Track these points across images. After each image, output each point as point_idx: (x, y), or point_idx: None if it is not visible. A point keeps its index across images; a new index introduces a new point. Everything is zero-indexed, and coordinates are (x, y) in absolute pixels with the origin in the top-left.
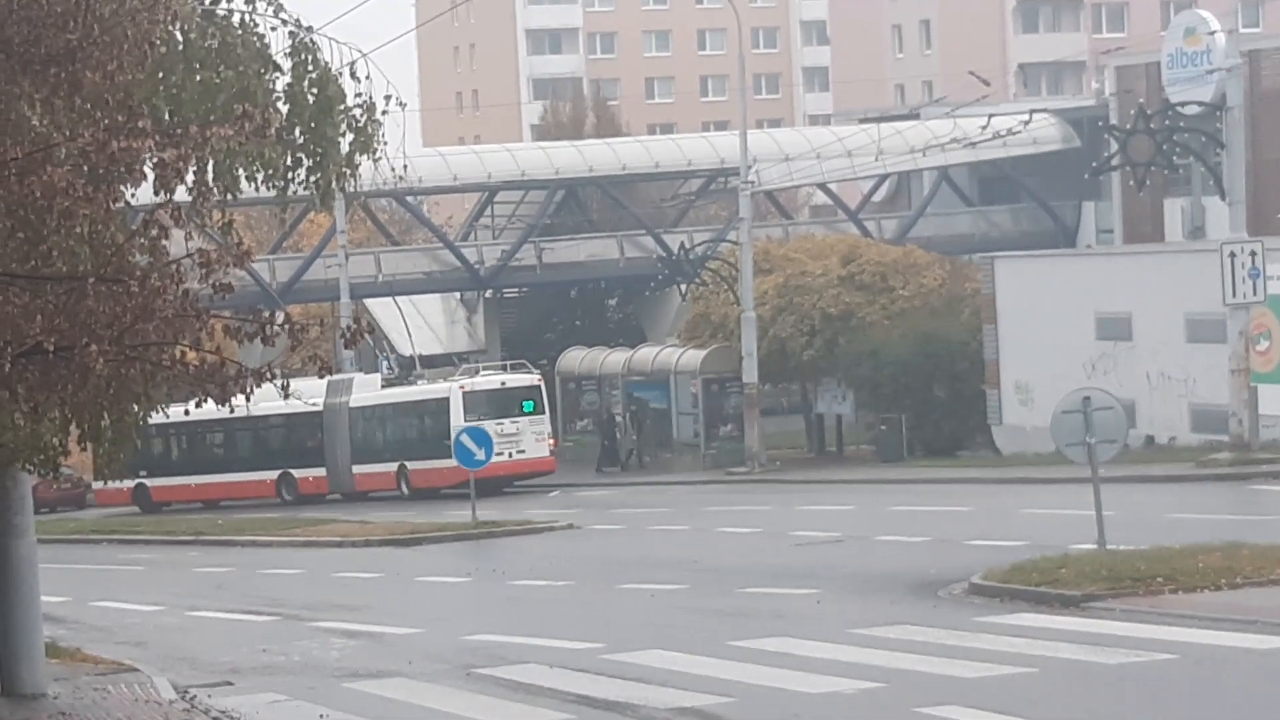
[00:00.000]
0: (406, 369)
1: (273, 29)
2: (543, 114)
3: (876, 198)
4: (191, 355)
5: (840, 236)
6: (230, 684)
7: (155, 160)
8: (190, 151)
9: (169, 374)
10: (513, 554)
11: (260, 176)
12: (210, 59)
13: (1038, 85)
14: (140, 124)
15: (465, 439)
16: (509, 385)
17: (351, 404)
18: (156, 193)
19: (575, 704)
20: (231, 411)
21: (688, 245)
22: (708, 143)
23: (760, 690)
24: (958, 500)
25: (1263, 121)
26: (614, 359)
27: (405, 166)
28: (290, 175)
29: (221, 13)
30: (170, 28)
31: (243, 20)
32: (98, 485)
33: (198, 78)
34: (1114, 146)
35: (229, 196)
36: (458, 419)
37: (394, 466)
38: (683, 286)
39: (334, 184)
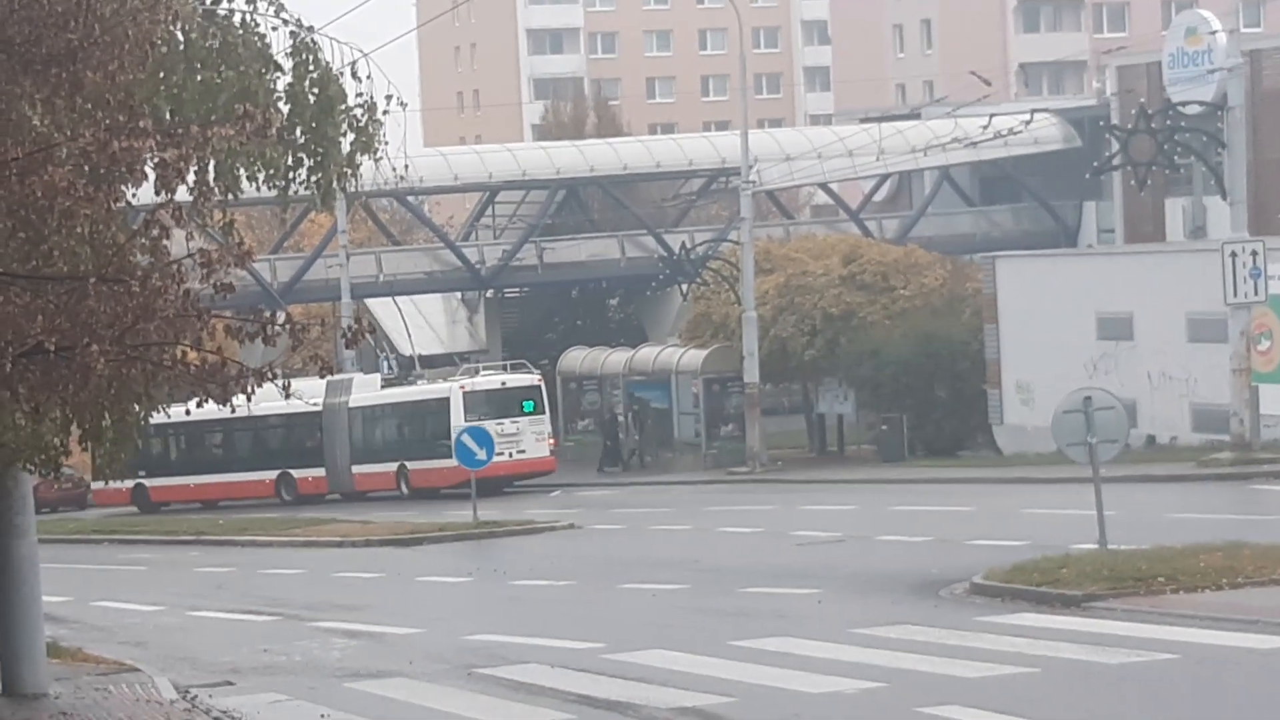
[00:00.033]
0: (406, 369)
1: (274, 29)
2: (544, 114)
3: (878, 197)
4: (193, 355)
5: (841, 236)
6: (231, 684)
7: (156, 160)
8: (191, 151)
9: (170, 374)
10: (514, 554)
11: (261, 176)
12: (211, 59)
13: (1039, 85)
14: (141, 124)
15: (466, 439)
16: (509, 385)
17: (351, 404)
18: (157, 192)
19: (576, 704)
20: (233, 411)
21: (689, 245)
22: (709, 142)
23: (761, 690)
24: (959, 500)
25: (1264, 121)
26: (615, 359)
27: (406, 166)
28: (291, 175)
29: (222, 12)
30: (171, 27)
31: (244, 20)
32: (96, 485)
33: (199, 77)
34: (1115, 146)
35: (230, 196)
36: (458, 419)
37: (393, 466)
38: (684, 286)
39: (335, 184)
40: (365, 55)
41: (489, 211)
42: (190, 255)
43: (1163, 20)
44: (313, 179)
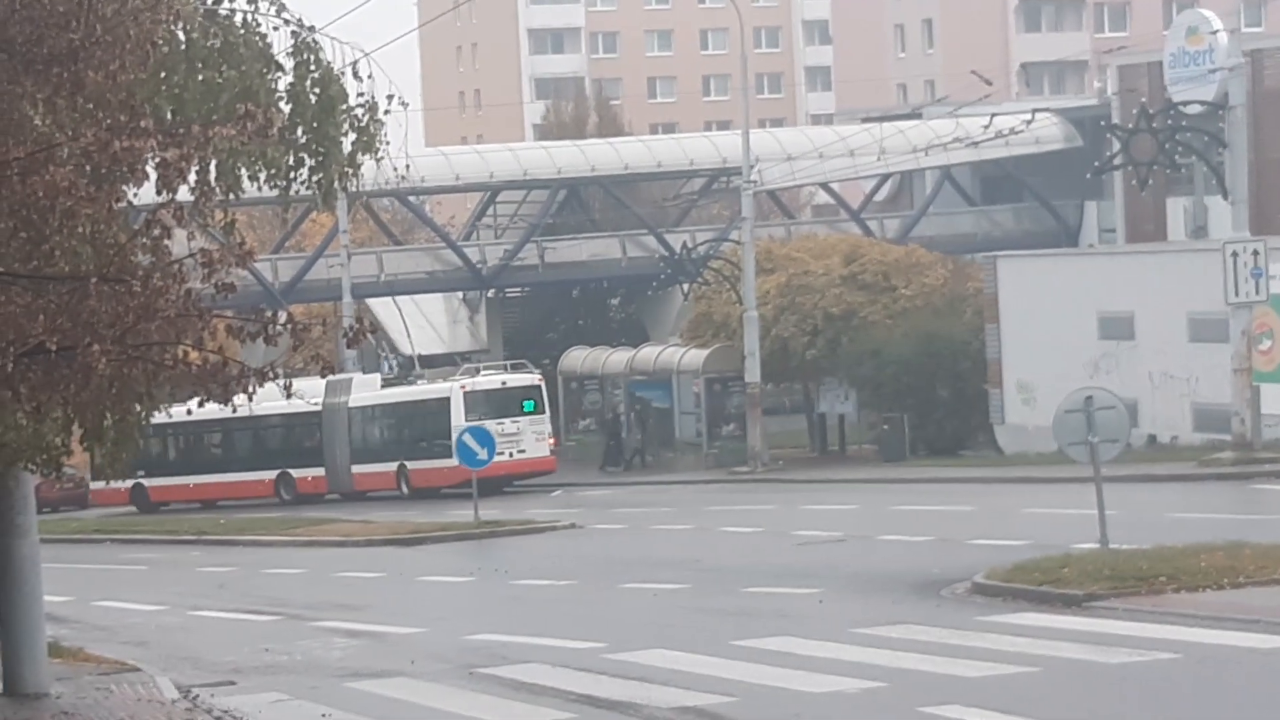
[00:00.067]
0: (406, 369)
1: (275, 29)
2: (545, 113)
3: (879, 197)
4: (194, 355)
5: (842, 236)
6: (233, 683)
7: (158, 160)
8: (193, 151)
9: (171, 374)
10: (515, 553)
11: (263, 176)
12: (213, 58)
13: (1040, 85)
14: (143, 124)
15: (468, 438)
16: (509, 385)
17: (351, 404)
18: (159, 192)
19: (578, 703)
20: (234, 411)
21: (690, 245)
22: (710, 142)
23: (763, 689)
24: (960, 500)
25: (1265, 121)
26: (616, 358)
27: (407, 166)
28: (292, 175)
29: (224, 12)
30: (173, 27)
31: (245, 20)
32: (96, 485)
33: (200, 77)
34: (1116, 146)
35: (231, 196)
36: (458, 419)
37: (393, 466)
38: (685, 286)
39: (336, 183)
40: (366, 55)
41: (490, 211)
42: (191, 255)
43: (1164, 20)
44: (314, 179)
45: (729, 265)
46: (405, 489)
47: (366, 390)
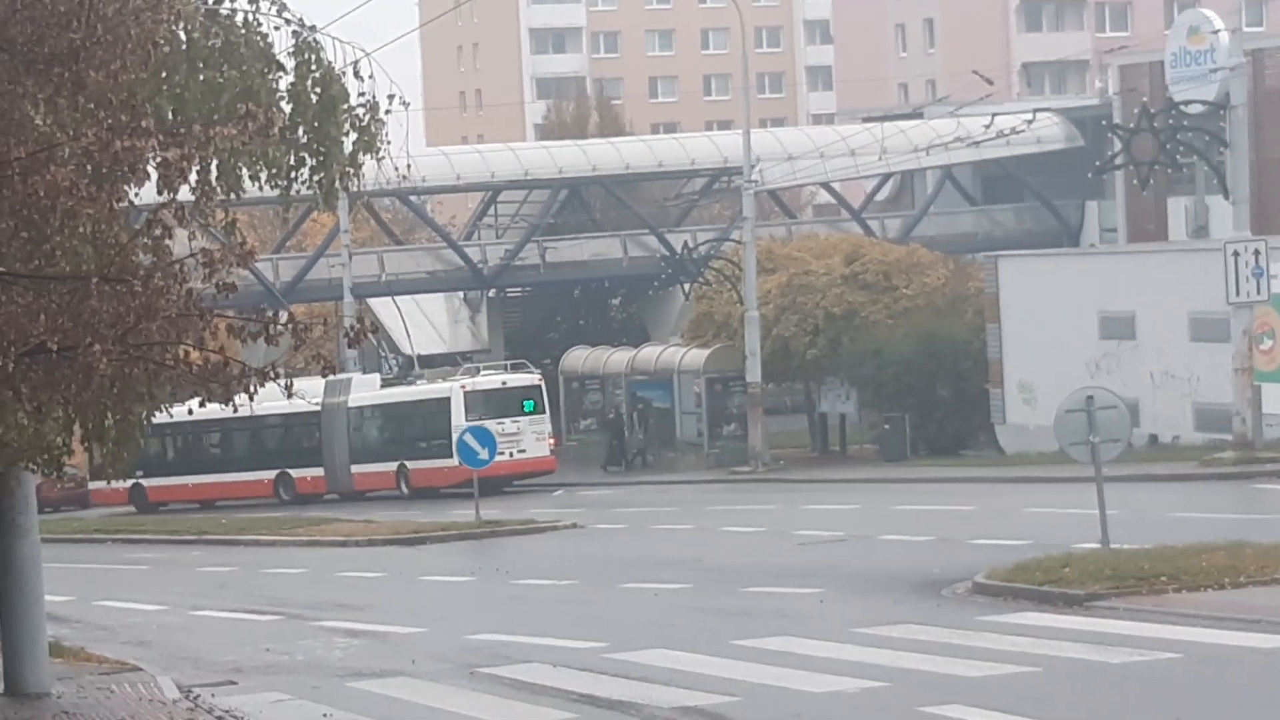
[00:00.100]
0: (406, 369)
1: (276, 28)
2: (546, 113)
3: (880, 197)
4: (195, 355)
5: (844, 236)
6: (234, 683)
7: (159, 160)
8: (194, 151)
9: (173, 374)
10: (516, 553)
11: (263, 176)
12: (213, 58)
13: (1041, 84)
14: (144, 123)
15: (469, 438)
16: (510, 385)
17: (350, 403)
18: (160, 192)
19: (579, 703)
20: (235, 411)
21: (691, 244)
22: (711, 142)
23: (764, 689)
24: (961, 499)
25: (1266, 120)
26: (617, 358)
27: (408, 166)
28: (293, 175)
29: (225, 12)
30: (174, 27)
31: (246, 20)
32: (94, 485)
33: (201, 77)
34: (1117, 145)
35: (232, 196)
36: (459, 418)
37: (393, 466)
38: (686, 286)
39: (337, 183)
40: (367, 55)
41: (491, 211)
42: (193, 255)
43: (1165, 19)
44: (315, 178)
45: (730, 265)
46: (405, 489)
47: (366, 390)
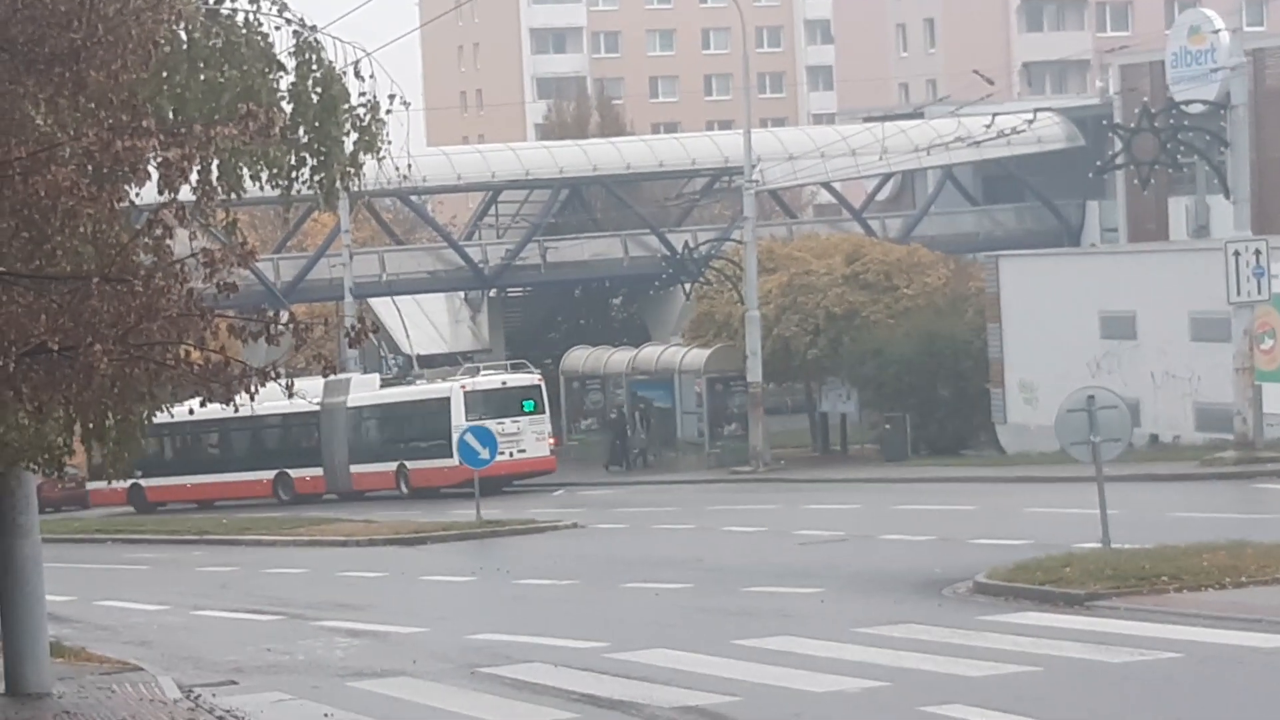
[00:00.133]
0: (406, 368)
1: (277, 28)
2: (547, 113)
3: (880, 197)
4: (196, 355)
5: (844, 235)
6: (235, 683)
7: (159, 160)
8: (194, 151)
9: (173, 373)
10: (517, 553)
11: (264, 176)
12: (214, 58)
13: (1042, 84)
14: (144, 123)
15: (469, 438)
16: (510, 385)
17: (349, 403)
18: (161, 192)
19: (580, 703)
20: (236, 411)
21: (692, 244)
22: (712, 142)
23: (765, 689)
24: (962, 499)
25: (1267, 120)
26: (618, 358)
27: (409, 166)
28: (294, 174)
29: (226, 12)
30: (174, 27)
31: (247, 20)
32: (93, 485)
33: (202, 77)
34: (1118, 145)
35: (233, 196)
36: (459, 418)
37: (393, 466)
38: (687, 286)
39: (338, 183)
40: (368, 54)
41: (492, 211)
42: (193, 255)
43: (1166, 19)
44: (316, 178)
45: (731, 265)
46: (405, 489)
47: (365, 390)
